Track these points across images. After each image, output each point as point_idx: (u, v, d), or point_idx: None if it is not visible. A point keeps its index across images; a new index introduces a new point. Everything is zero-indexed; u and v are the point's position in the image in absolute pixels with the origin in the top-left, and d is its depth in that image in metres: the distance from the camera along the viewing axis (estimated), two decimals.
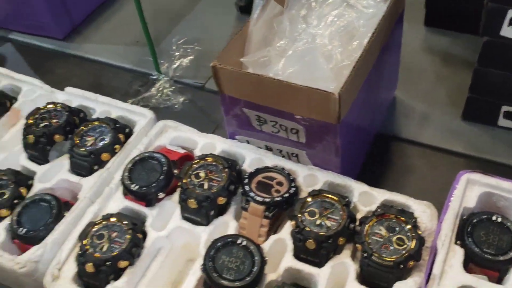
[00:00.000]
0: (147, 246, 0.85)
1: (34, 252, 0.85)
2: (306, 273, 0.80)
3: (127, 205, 0.91)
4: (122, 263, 0.82)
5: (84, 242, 0.83)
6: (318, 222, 0.81)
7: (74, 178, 0.96)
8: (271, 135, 0.93)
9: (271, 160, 0.94)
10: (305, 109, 0.85)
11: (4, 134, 1.08)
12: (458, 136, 1.11)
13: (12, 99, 1.13)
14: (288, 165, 0.93)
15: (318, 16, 0.97)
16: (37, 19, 1.44)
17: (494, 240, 0.78)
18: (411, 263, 0.76)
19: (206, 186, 0.88)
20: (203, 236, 0.86)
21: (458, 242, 0.79)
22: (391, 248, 0.77)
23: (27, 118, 1.03)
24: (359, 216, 0.84)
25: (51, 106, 1.04)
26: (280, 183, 0.88)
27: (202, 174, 0.90)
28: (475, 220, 0.79)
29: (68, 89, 1.13)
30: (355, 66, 0.83)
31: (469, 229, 0.79)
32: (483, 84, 1.05)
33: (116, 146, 0.98)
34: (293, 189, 0.87)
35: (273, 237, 0.85)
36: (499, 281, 0.77)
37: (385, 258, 0.76)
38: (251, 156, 0.95)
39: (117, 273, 0.82)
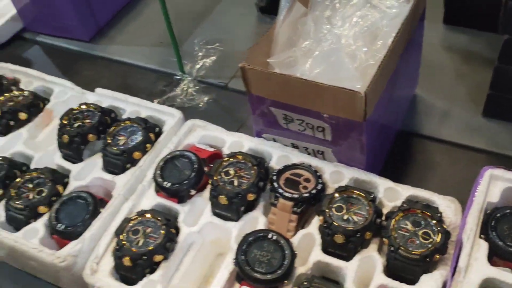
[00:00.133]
0: (180, 241, 0.88)
1: (73, 247, 0.88)
2: (335, 266, 0.82)
3: (159, 201, 0.94)
4: (157, 257, 0.85)
5: (121, 237, 0.86)
6: (345, 217, 0.84)
7: (108, 176, 0.99)
8: (297, 133, 0.95)
9: (297, 157, 0.96)
10: (332, 108, 0.87)
11: (38, 134, 1.12)
12: (479, 133, 1.12)
13: (45, 100, 1.16)
14: (314, 162, 0.95)
15: (342, 17, 0.98)
16: (63, 21, 1.47)
17: None
18: (437, 256, 0.78)
19: (236, 183, 0.91)
20: (234, 231, 0.89)
21: (483, 236, 0.81)
22: (417, 242, 0.80)
23: (61, 118, 1.06)
24: (384, 211, 0.86)
25: (84, 106, 1.08)
26: (307, 180, 0.91)
27: (231, 171, 0.92)
28: (498, 215, 0.81)
29: (98, 90, 1.16)
30: (380, 66, 0.85)
31: (493, 223, 0.81)
32: (504, 82, 1.06)
33: (147, 145, 1.01)
34: (320, 185, 0.89)
35: (301, 232, 0.87)
36: None
37: (411, 252, 0.78)
38: (278, 154, 0.97)
39: (152, 267, 0.85)
